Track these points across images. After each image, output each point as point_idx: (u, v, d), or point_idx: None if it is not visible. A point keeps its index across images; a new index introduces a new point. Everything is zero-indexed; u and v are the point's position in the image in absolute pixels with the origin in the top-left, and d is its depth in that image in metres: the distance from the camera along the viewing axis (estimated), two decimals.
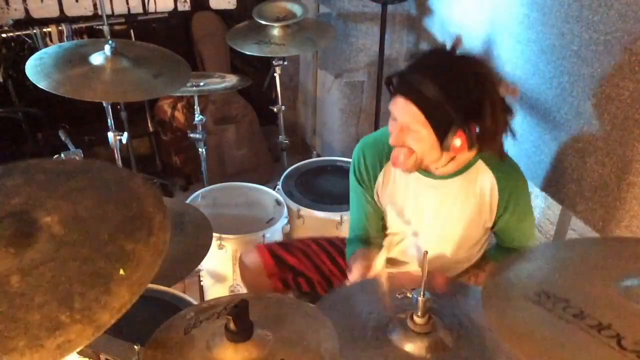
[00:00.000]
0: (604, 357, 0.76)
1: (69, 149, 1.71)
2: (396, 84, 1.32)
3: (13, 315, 0.71)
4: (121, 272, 0.77)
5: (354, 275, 1.42)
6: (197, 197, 2.29)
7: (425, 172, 1.45)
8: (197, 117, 2.48)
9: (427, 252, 1.05)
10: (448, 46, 1.31)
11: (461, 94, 1.24)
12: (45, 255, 0.78)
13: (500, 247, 1.59)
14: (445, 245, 1.50)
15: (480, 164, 1.42)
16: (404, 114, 1.29)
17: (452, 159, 1.39)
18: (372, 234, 1.56)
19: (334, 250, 1.70)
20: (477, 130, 1.28)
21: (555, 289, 0.91)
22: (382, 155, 1.49)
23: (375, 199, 1.54)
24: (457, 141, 1.28)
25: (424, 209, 1.48)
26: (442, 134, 1.28)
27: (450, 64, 1.28)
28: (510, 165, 1.44)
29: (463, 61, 1.29)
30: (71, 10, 2.94)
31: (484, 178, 1.42)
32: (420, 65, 1.30)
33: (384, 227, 1.59)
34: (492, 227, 1.50)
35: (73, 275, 0.76)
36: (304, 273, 1.63)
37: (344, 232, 2.05)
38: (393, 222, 1.55)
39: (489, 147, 1.35)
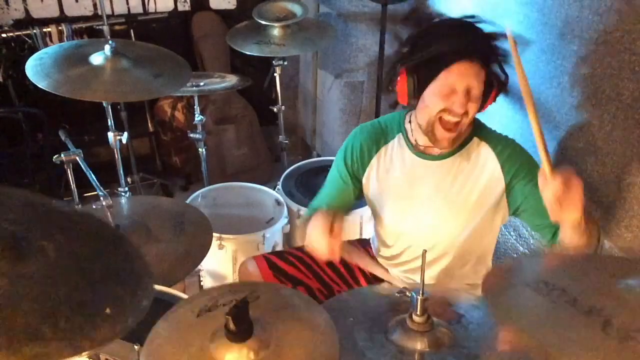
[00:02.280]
0: (590, 338, 0.80)
1: (69, 149, 1.70)
2: (443, 54, 1.27)
3: None
4: (107, 310, 0.77)
5: (312, 236, 1.33)
6: (197, 197, 2.29)
7: (421, 153, 1.44)
8: (197, 117, 2.48)
9: (425, 250, 1.05)
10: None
11: (490, 40, 1.30)
12: (37, 271, 0.77)
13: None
14: (446, 236, 1.44)
15: (476, 140, 1.42)
16: (467, 76, 1.27)
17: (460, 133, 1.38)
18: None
19: None
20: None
21: (555, 279, 0.93)
22: (380, 139, 1.49)
23: (364, 182, 1.52)
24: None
25: (421, 192, 1.44)
26: (489, 86, 1.32)
27: (461, 21, 1.33)
28: (504, 138, 1.44)
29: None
30: (71, 10, 2.94)
31: (483, 152, 1.41)
32: (444, 30, 1.32)
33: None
34: (515, 213, 1.41)
35: (62, 297, 0.76)
36: (303, 282, 1.61)
37: None
38: (387, 212, 1.51)
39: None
